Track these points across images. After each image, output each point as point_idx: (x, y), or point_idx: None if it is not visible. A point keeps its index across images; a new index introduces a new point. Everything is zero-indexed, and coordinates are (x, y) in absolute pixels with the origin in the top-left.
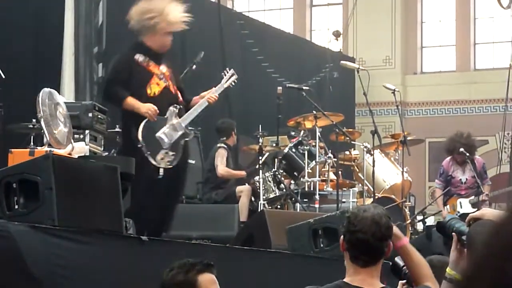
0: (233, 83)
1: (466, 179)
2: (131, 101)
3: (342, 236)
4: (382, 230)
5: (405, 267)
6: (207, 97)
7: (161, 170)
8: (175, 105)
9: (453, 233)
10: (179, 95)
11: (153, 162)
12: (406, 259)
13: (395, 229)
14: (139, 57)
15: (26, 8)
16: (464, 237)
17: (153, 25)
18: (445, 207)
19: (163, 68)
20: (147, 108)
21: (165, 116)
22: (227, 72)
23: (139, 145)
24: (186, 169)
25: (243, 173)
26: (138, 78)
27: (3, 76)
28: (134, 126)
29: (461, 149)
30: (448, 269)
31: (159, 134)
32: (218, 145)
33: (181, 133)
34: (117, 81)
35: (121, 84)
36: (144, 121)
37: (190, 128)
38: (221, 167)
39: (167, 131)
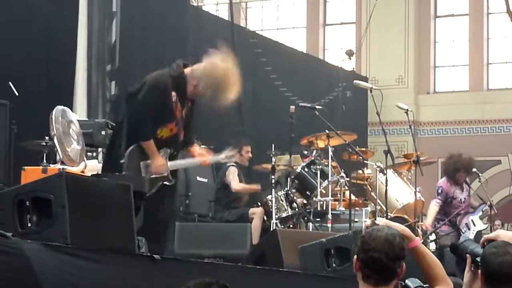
0: (231, 161)
1: (465, 198)
2: (152, 146)
3: (355, 256)
4: (396, 250)
5: None
6: (202, 159)
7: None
8: (171, 148)
9: (467, 255)
10: (182, 135)
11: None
12: (418, 259)
13: (407, 231)
14: (174, 95)
15: (39, 25)
16: (478, 259)
17: (195, 87)
18: (460, 226)
19: (184, 112)
20: (158, 166)
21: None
22: (228, 148)
23: (121, 161)
24: (170, 218)
25: (258, 186)
26: (161, 117)
27: (17, 94)
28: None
29: (462, 170)
30: None
31: (143, 163)
32: (227, 164)
33: (164, 175)
34: (151, 110)
35: (151, 119)
36: (134, 146)
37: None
38: (235, 183)
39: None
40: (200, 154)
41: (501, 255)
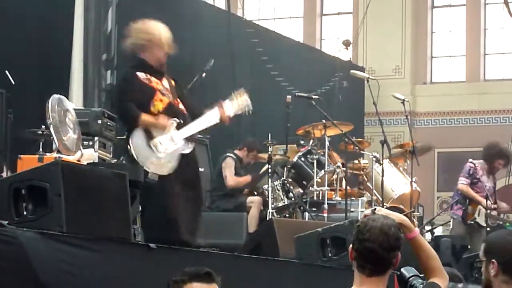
0: (248, 111)
1: (490, 187)
2: (145, 117)
3: (351, 245)
4: (391, 240)
5: (411, 278)
6: (220, 111)
7: (152, 175)
8: (175, 118)
9: None
10: (182, 107)
11: (144, 167)
12: (416, 250)
13: (407, 221)
14: (141, 75)
15: (36, 15)
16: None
17: (148, 42)
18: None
19: (165, 83)
20: (163, 122)
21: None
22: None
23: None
24: (199, 179)
25: (247, 178)
26: (142, 96)
27: (13, 82)
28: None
29: (503, 162)
30: None
31: (153, 142)
32: (227, 154)
33: (179, 145)
34: (126, 100)
35: (134, 105)
36: (137, 129)
37: (200, 136)
38: (229, 178)
39: (162, 140)
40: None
41: None
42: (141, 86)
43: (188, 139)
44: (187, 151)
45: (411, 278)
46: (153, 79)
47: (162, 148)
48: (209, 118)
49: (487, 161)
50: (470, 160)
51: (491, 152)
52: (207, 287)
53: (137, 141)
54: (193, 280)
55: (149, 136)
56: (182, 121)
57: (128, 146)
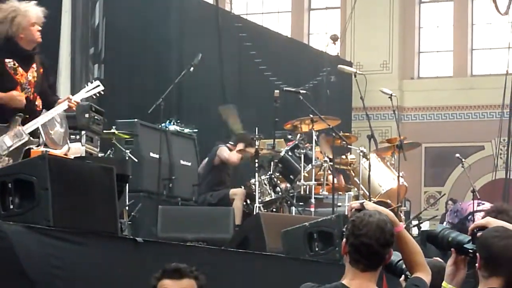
0: (97, 94)
1: None
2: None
3: (344, 239)
4: (387, 236)
5: (399, 262)
6: (65, 102)
7: None
8: (20, 113)
9: (450, 246)
10: (38, 102)
11: None
12: (401, 245)
13: (392, 215)
14: (9, 62)
15: None
16: (468, 246)
17: (13, 20)
18: None
19: (30, 75)
20: (20, 97)
21: (6, 124)
22: (92, 83)
23: None
24: None
25: (240, 145)
26: (3, 85)
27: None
28: None
29: None
30: (444, 284)
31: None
32: (219, 145)
33: (23, 140)
34: None
35: None
36: None
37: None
38: (231, 155)
39: (5, 137)
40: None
41: (505, 238)
42: (5, 74)
43: (34, 133)
44: (33, 145)
45: (399, 263)
46: (19, 69)
47: (4, 145)
48: (58, 108)
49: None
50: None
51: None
52: (178, 283)
53: None
54: (164, 277)
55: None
56: (29, 117)
57: None
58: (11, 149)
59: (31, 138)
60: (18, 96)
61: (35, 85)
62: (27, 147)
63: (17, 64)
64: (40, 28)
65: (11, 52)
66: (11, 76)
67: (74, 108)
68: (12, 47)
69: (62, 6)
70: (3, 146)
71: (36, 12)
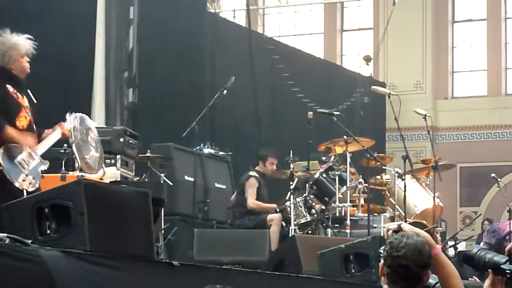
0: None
1: None
2: (12, 131)
3: (382, 261)
4: (425, 258)
5: (437, 285)
6: (60, 130)
7: (24, 192)
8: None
9: (487, 267)
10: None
11: (16, 184)
12: (437, 268)
13: (428, 237)
14: (10, 87)
15: (57, 33)
16: (504, 266)
17: (5, 52)
18: None
19: (25, 100)
20: (29, 141)
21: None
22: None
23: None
24: None
25: (273, 206)
26: (11, 109)
27: (35, 101)
28: None
29: None
30: None
31: (18, 159)
32: (250, 173)
33: (38, 161)
34: None
35: (2, 118)
36: (2, 147)
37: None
38: (251, 200)
39: (24, 157)
40: (56, 128)
41: None
42: (10, 99)
43: (42, 156)
44: (44, 167)
45: (436, 285)
46: (19, 95)
47: (26, 165)
48: (55, 135)
49: None
50: None
51: None
52: None
53: (3, 158)
54: None
55: (8, 153)
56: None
57: None
58: (30, 167)
59: (41, 159)
60: (29, 135)
61: (31, 109)
62: (41, 166)
63: (16, 90)
64: (28, 60)
65: (9, 78)
66: (15, 99)
67: (68, 135)
68: (8, 74)
69: (96, 30)
70: (25, 165)
71: (25, 45)
